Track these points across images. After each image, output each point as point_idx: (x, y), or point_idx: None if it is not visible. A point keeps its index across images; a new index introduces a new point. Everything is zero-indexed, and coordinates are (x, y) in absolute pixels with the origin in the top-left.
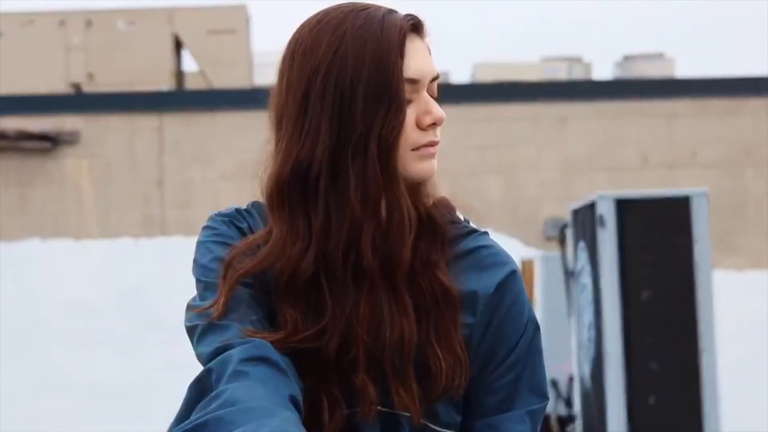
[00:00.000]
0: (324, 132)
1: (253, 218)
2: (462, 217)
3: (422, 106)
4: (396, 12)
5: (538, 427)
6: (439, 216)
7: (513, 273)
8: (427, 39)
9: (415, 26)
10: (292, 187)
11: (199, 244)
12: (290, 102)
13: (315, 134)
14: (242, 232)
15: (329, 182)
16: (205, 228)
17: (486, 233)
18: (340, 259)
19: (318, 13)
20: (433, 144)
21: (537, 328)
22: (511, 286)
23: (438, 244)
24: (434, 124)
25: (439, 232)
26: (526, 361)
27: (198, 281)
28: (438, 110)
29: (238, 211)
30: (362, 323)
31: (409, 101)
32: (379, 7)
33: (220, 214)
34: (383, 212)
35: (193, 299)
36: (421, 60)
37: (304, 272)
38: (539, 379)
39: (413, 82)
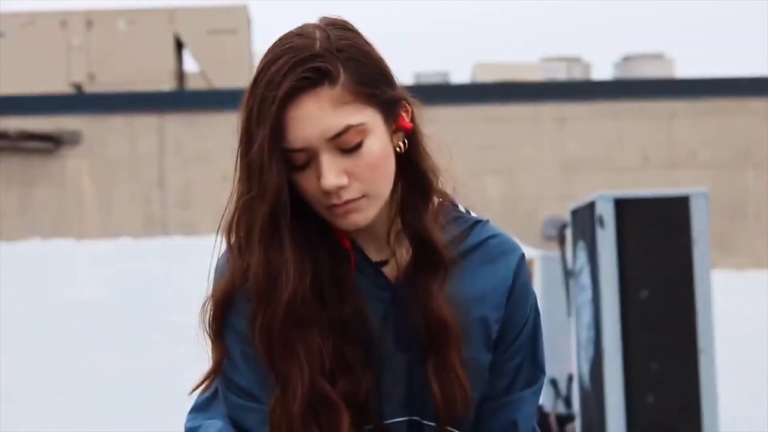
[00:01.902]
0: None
1: None
2: (463, 209)
3: (318, 171)
4: (294, 68)
5: (538, 401)
6: (440, 238)
7: (522, 257)
8: (336, 88)
9: (303, 86)
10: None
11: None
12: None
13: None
14: None
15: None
16: None
17: (488, 221)
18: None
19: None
20: (336, 206)
21: (537, 308)
22: (521, 272)
23: (437, 274)
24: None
25: (440, 262)
26: (530, 343)
27: None
28: (325, 180)
29: None
30: None
31: (305, 166)
32: (277, 61)
33: None
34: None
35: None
36: (305, 129)
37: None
38: (541, 358)
39: (300, 150)
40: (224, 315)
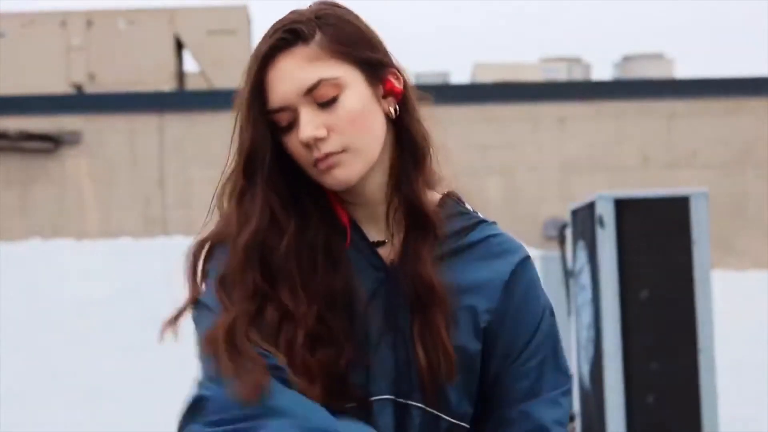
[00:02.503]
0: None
1: None
2: (471, 208)
3: (298, 126)
4: (274, 33)
5: (570, 407)
6: (435, 211)
7: (526, 259)
8: (310, 45)
9: (280, 45)
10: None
11: None
12: None
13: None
14: None
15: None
16: None
17: (494, 223)
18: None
19: None
20: (319, 160)
21: (552, 312)
22: (524, 272)
23: (427, 239)
24: (314, 141)
25: (430, 226)
26: (548, 344)
27: None
28: (302, 132)
29: None
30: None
31: (291, 127)
32: (266, 33)
33: None
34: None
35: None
36: (282, 86)
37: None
38: (562, 360)
39: (281, 109)
40: (203, 257)
